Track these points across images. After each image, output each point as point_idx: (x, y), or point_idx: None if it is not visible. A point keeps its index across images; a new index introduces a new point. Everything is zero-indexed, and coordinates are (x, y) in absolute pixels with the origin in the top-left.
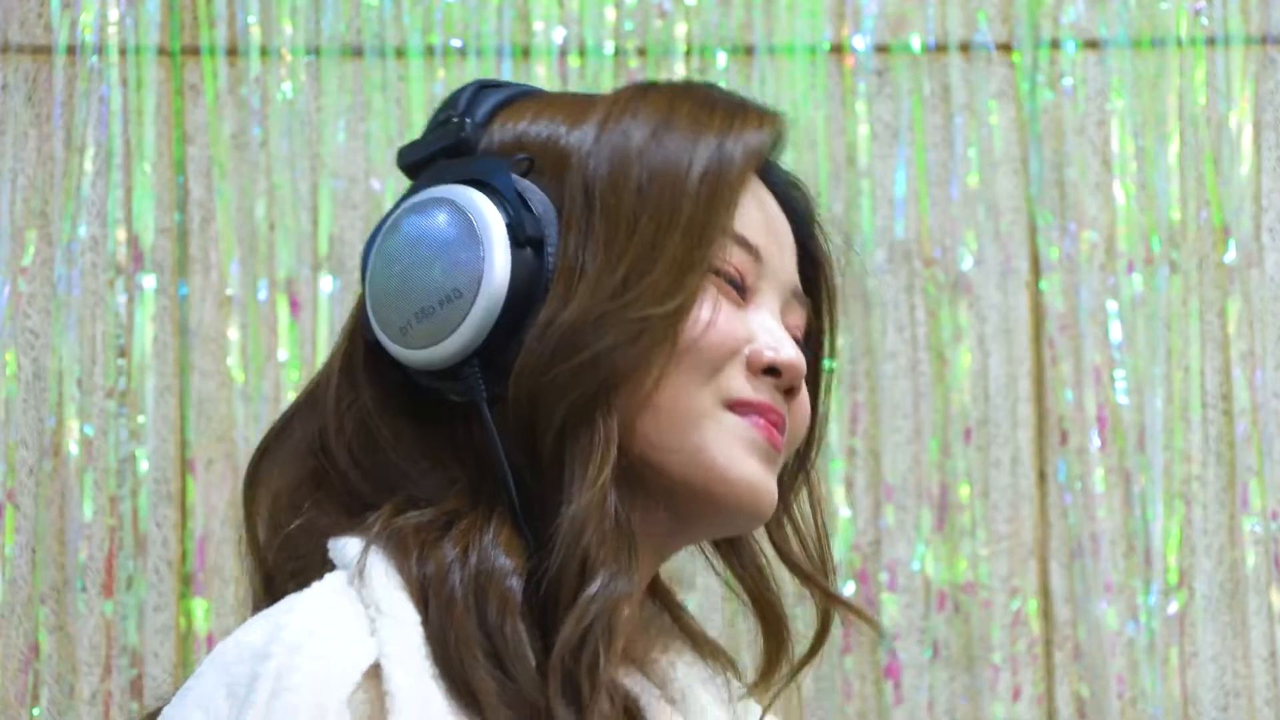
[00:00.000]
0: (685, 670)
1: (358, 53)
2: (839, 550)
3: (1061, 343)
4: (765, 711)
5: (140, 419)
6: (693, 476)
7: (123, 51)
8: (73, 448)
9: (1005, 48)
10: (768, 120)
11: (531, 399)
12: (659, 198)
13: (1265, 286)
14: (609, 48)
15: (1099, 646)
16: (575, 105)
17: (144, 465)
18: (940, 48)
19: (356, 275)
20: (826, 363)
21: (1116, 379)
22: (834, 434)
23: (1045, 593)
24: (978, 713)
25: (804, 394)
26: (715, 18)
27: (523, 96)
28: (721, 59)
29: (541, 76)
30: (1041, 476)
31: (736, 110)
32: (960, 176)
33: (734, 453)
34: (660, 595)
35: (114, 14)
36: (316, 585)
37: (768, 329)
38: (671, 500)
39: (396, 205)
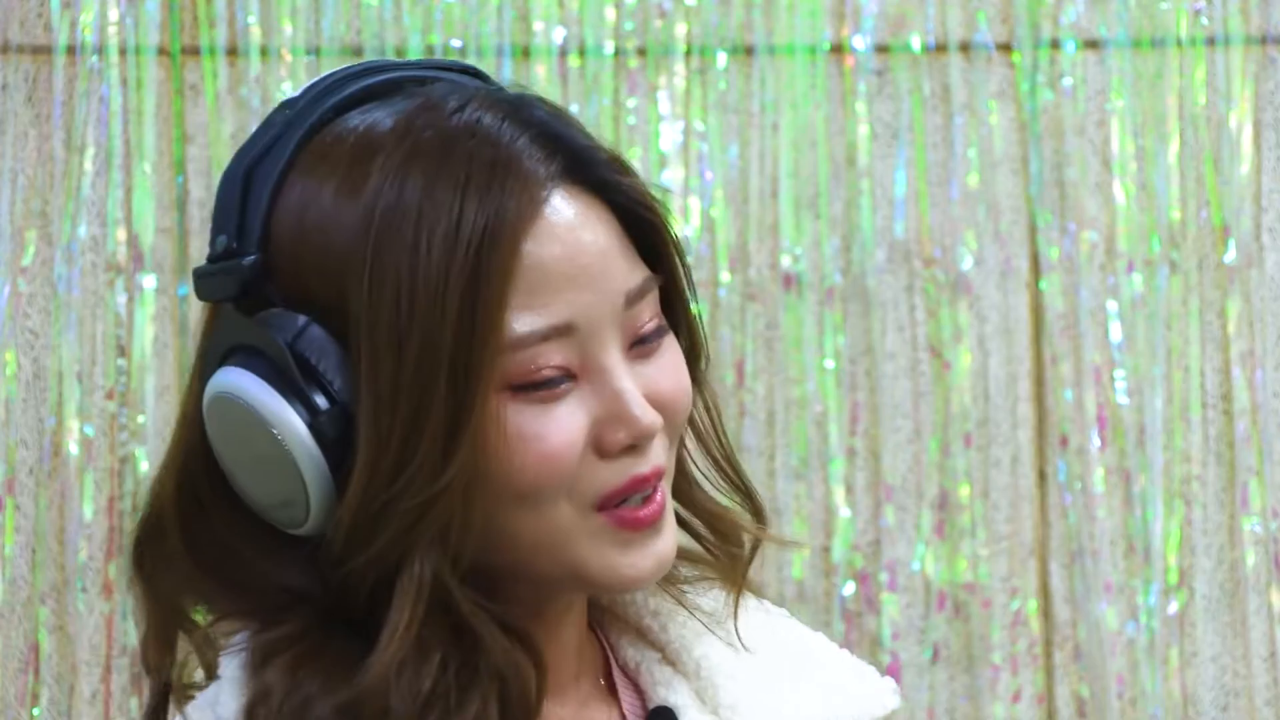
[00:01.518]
0: (676, 629)
1: (358, 53)
2: (839, 550)
3: (1061, 343)
4: (735, 612)
5: (140, 419)
6: (577, 583)
7: (123, 51)
8: (73, 448)
9: (1005, 48)
10: (542, 159)
11: (341, 584)
12: (418, 347)
13: (1265, 286)
14: (609, 48)
15: (1099, 646)
16: (341, 215)
17: (144, 465)
18: (940, 48)
19: None
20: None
21: (1116, 379)
22: (834, 434)
23: (1045, 593)
24: (978, 713)
25: (667, 379)
26: (715, 18)
27: (295, 169)
28: (721, 59)
29: (541, 76)
30: (1041, 476)
31: (493, 207)
32: (960, 176)
33: (613, 560)
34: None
35: (114, 14)
36: (185, 710)
37: (609, 399)
38: (554, 587)
39: (205, 356)
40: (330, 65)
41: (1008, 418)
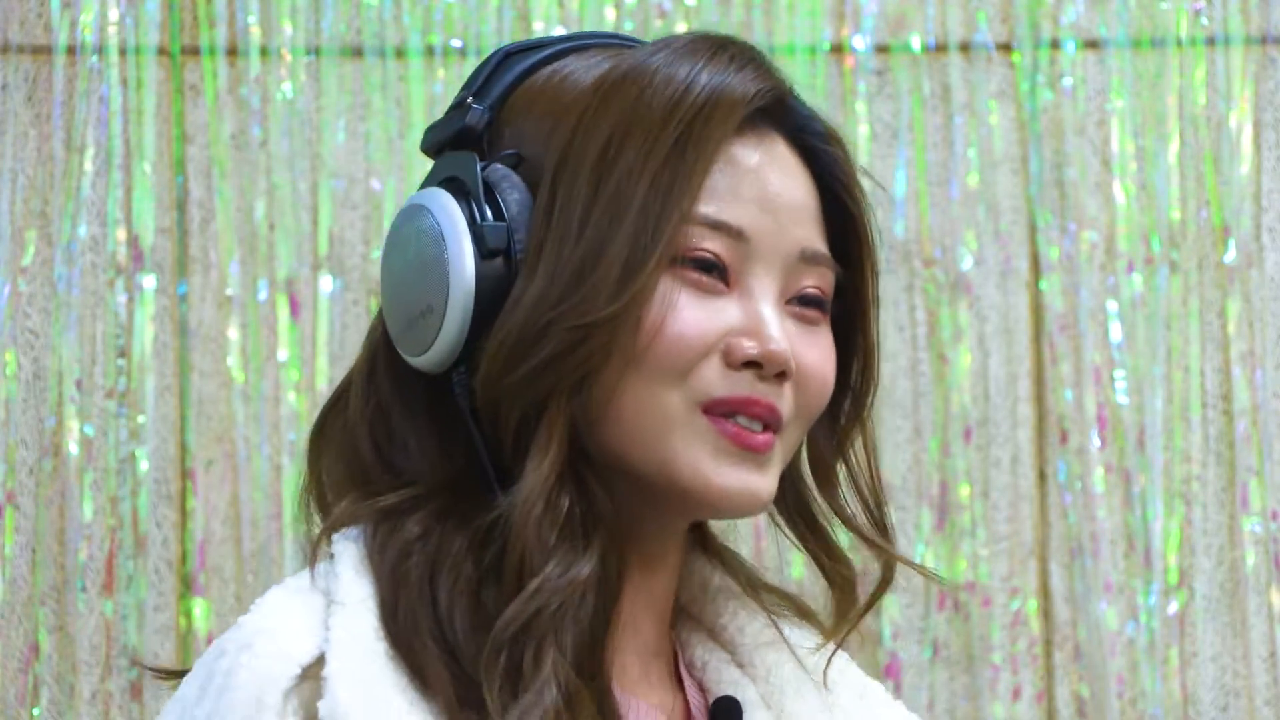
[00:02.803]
0: (754, 634)
1: (358, 53)
2: None
3: (1061, 343)
4: (829, 660)
5: (140, 419)
6: (665, 482)
7: (123, 51)
8: (73, 448)
9: (1005, 48)
10: (758, 79)
11: (492, 403)
12: (615, 188)
13: (1265, 286)
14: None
15: (1099, 646)
16: (578, 82)
17: (144, 465)
18: (940, 48)
19: (356, 275)
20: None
21: (1116, 379)
22: None
23: (1045, 593)
24: (978, 713)
25: (813, 362)
26: (715, 18)
27: (543, 66)
28: None
29: None
30: (1041, 476)
31: (723, 71)
32: (960, 176)
33: (703, 464)
34: (717, 555)
35: (114, 14)
36: (287, 580)
37: (751, 315)
38: (652, 496)
39: (411, 199)
40: (330, 65)
41: (1008, 418)
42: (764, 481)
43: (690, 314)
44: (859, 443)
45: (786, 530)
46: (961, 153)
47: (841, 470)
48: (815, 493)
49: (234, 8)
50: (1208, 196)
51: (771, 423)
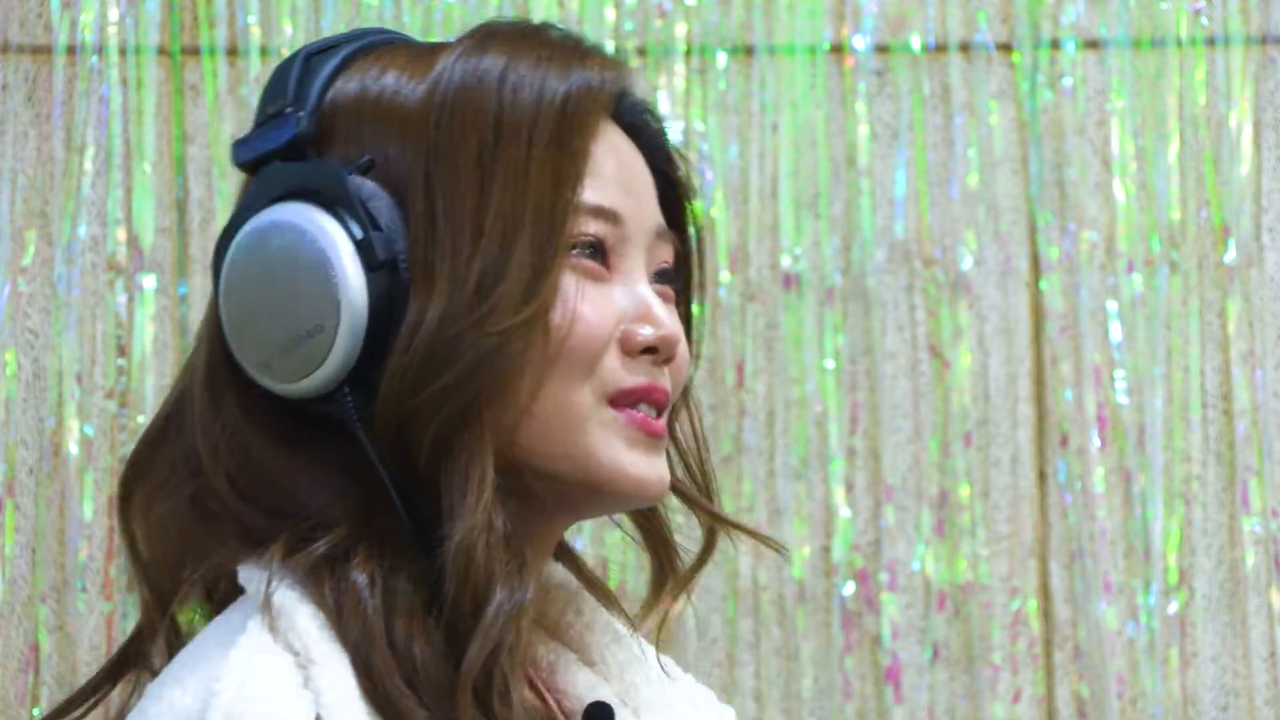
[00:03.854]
0: (601, 631)
1: None
2: (839, 550)
3: (1061, 343)
4: (657, 637)
5: (140, 419)
6: (583, 478)
7: (123, 51)
8: (73, 448)
9: (1005, 48)
10: (606, 67)
11: (401, 424)
12: (502, 189)
13: (1265, 286)
14: (609, 48)
15: (1099, 646)
16: (412, 67)
17: None
18: (940, 48)
19: None
20: (695, 309)
21: (1116, 379)
22: (834, 434)
23: (1045, 593)
24: (978, 713)
25: (682, 340)
26: (715, 18)
27: (358, 58)
28: (721, 59)
29: None
30: (1041, 476)
31: (573, 65)
32: (960, 176)
33: (620, 456)
34: (561, 555)
35: (114, 14)
36: (241, 640)
37: (638, 301)
38: (562, 498)
39: (240, 213)
40: None
41: (1008, 418)
42: (664, 466)
43: (590, 305)
44: (683, 415)
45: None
46: (961, 153)
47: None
48: None
49: (234, 8)
50: (1208, 196)
51: (663, 408)
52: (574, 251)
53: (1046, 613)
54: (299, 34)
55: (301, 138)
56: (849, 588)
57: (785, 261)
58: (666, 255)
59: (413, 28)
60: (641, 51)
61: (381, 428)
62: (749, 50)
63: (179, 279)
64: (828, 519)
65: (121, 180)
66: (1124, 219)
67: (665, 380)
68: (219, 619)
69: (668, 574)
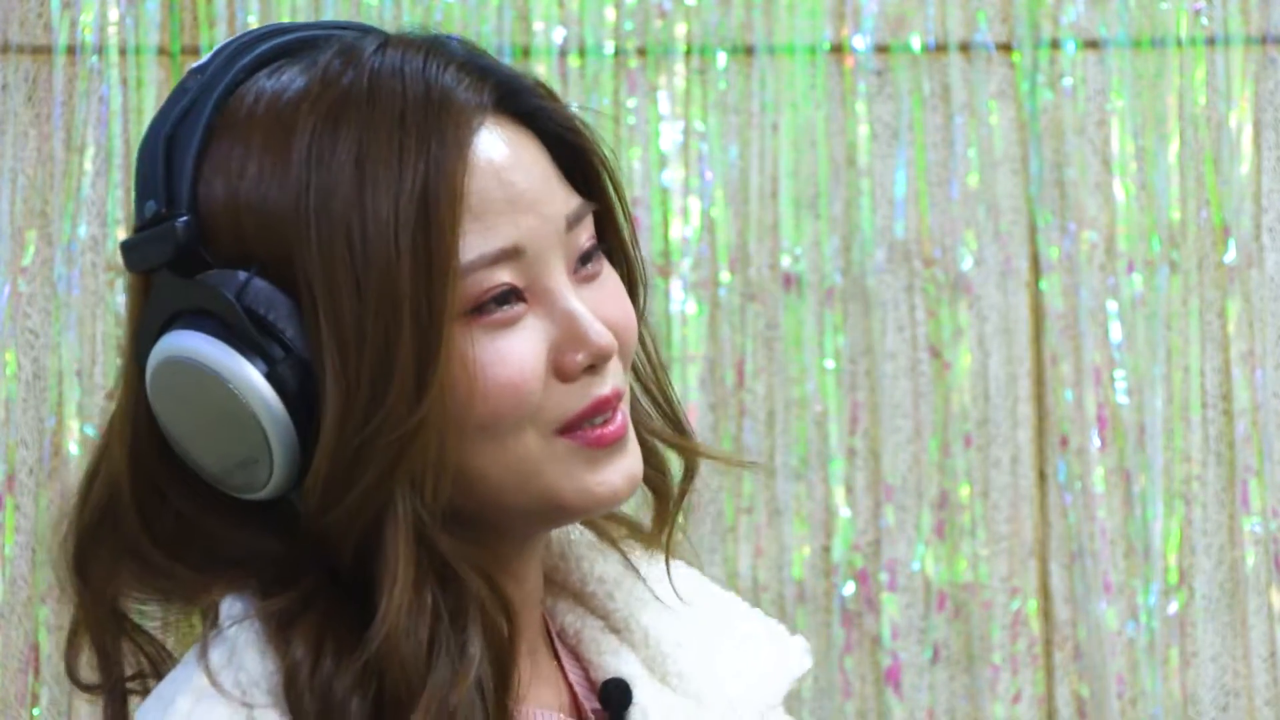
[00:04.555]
0: (624, 597)
1: None
2: (839, 550)
3: (1061, 343)
4: (667, 561)
5: None
6: (550, 510)
7: (123, 51)
8: (73, 448)
9: (1005, 48)
10: (473, 86)
11: (322, 536)
12: (378, 285)
13: (1265, 286)
14: (609, 48)
15: (1099, 646)
16: (271, 182)
17: None
18: (940, 48)
19: None
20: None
21: (1116, 379)
22: (834, 434)
23: (1045, 593)
24: (978, 713)
25: (615, 310)
26: (715, 18)
27: (214, 143)
28: (721, 59)
29: (541, 76)
30: (1041, 476)
31: (430, 130)
32: (960, 176)
33: (584, 481)
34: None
35: (114, 14)
36: (188, 688)
37: (562, 320)
38: (532, 522)
39: (145, 324)
40: None
41: (1008, 418)
42: (634, 460)
43: (513, 356)
44: (641, 351)
45: None
46: (961, 153)
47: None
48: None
49: (234, 8)
50: (1208, 196)
51: (616, 404)
52: (484, 309)
53: (1046, 613)
54: None
55: (184, 248)
56: (849, 588)
57: (785, 261)
58: (586, 234)
59: (413, 28)
60: (641, 51)
61: (310, 538)
62: (749, 50)
63: None
64: (828, 519)
65: (121, 180)
66: (1124, 219)
67: (609, 382)
68: (181, 662)
69: (666, 510)
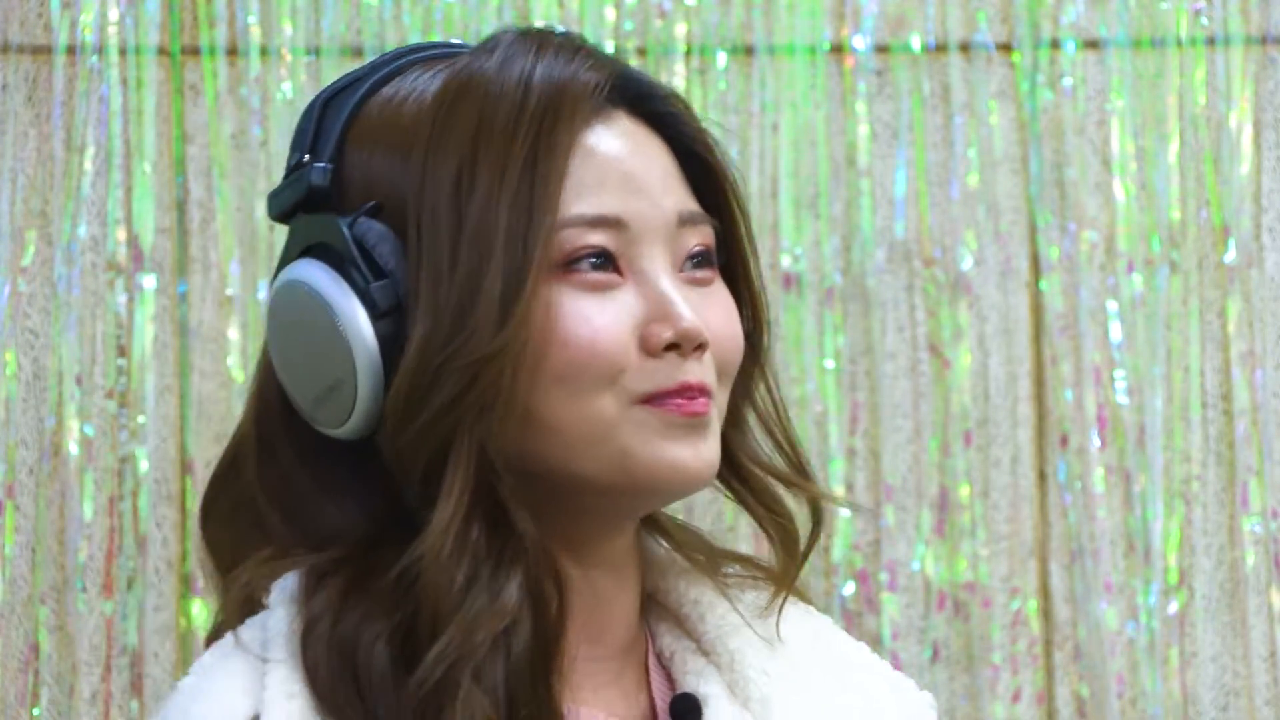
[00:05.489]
0: (715, 621)
1: (358, 53)
2: (839, 550)
3: (1061, 343)
4: (782, 601)
5: (140, 419)
6: (623, 480)
7: (123, 51)
8: (73, 448)
9: (1005, 48)
10: (590, 71)
11: (397, 460)
12: (477, 217)
13: (1265, 286)
14: (609, 48)
15: (1099, 646)
16: (409, 109)
17: (144, 465)
18: (940, 48)
19: None
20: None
21: (1116, 379)
22: (834, 434)
23: (1045, 593)
24: (978, 713)
25: (720, 321)
26: (715, 18)
27: (366, 103)
28: (721, 59)
29: None
30: (1041, 476)
31: (553, 95)
32: (960, 176)
33: (655, 445)
34: (668, 532)
35: (114, 14)
36: (218, 644)
37: (655, 299)
38: (603, 496)
39: (278, 267)
40: (330, 65)
41: (1008, 418)
42: (710, 449)
43: (593, 319)
44: (763, 390)
45: (726, 493)
46: (961, 153)
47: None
48: (736, 447)
49: (234, 8)
50: (1208, 196)
51: (703, 396)
52: (576, 266)
53: (1046, 613)
54: (299, 34)
55: (317, 190)
56: (849, 588)
57: (785, 261)
58: (699, 239)
59: (413, 28)
60: (641, 51)
61: (390, 462)
62: (749, 50)
63: (179, 279)
64: (828, 519)
65: (121, 180)
66: (1124, 219)
67: (697, 372)
68: None
69: (787, 550)
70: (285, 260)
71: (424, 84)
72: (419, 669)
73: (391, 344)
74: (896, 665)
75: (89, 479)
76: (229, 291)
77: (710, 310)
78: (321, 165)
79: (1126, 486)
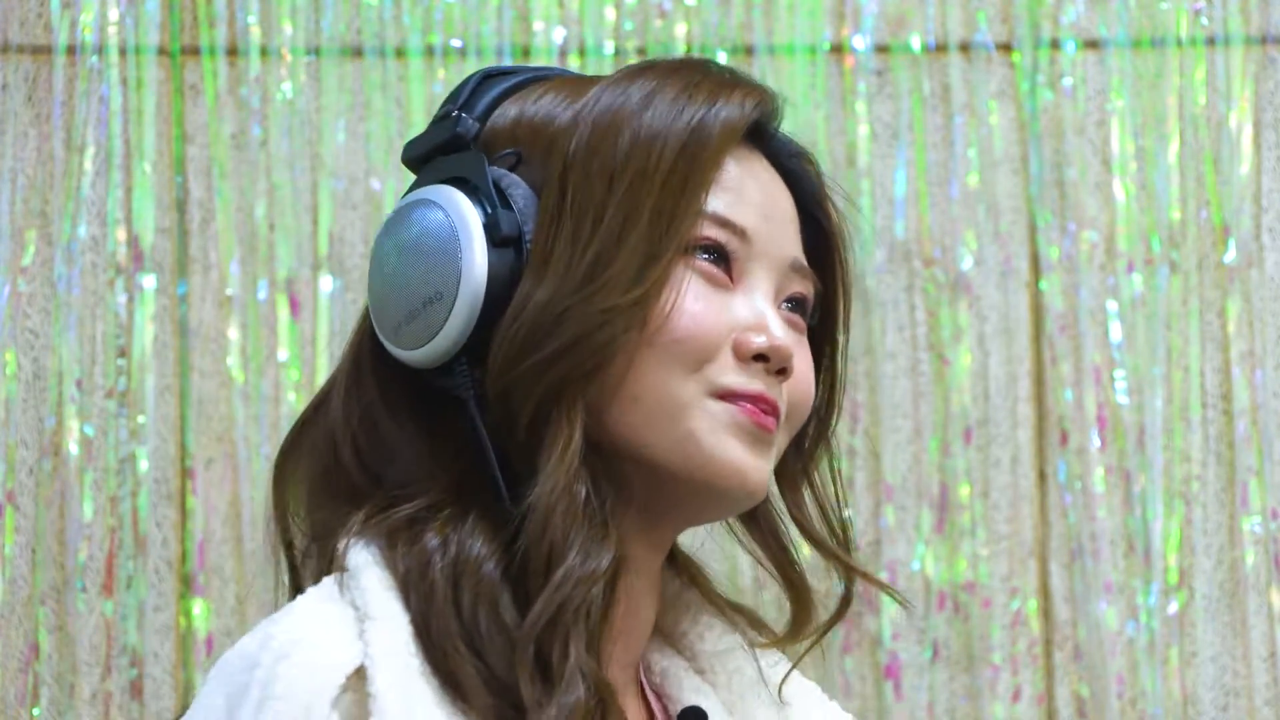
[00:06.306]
0: (714, 640)
1: (358, 53)
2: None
3: (1061, 343)
4: (792, 667)
5: (140, 419)
6: (678, 463)
7: (123, 51)
8: (73, 448)
9: (1005, 48)
10: (752, 94)
11: (505, 393)
12: (629, 184)
13: (1265, 286)
14: (609, 48)
15: (1099, 646)
16: (571, 90)
17: (144, 465)
18: (940, 48)
19: (356, 275)
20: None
21: (1116, 379)
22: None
23: (1045, 593)
24: (978, 713)
25: (802, 369)
26: (715, 18)
27: (530, 83)
28: (721, 59)
29: None
30: (1041, 476)
31: (720, 88)
32: (960, 176)
33: (720, 438)
34: (684, 569)
35: (114, 14)
36: (311, 591)
37: (756, 311)
38: (658, 485)
39: (400, 202)
40: (330, 65)
41: (1008, 418)
42: (766, 469)
43: (703, 306)
44: (824, 463)
45: (745, 540)
46: (961, 153)
47: (806, 489)
48: (780, 506)
49: (234, 8)
50: (1208, 196)
51: (775, 413)
52: (697, 253)
53: (1046, 613)
54: (299, 34)
55: (462, 136)
56: None
57: None
58: (802, 289)
59: (413, 28)
60: (641, 51)
61: (491, 395)
62: (749, 50)
63: (179, 279)
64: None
65: (121, 180)
66: (1124, 219)
67: (778, 393)
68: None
69: (802, 616)
70: (407, 195)
71: (583, 83)
72: (532, 609)
73: (499, 273)
74: (896, 665)
75: (89, 479)
76: (229, 291)
77: (796, 351)
78: (469, 118)
79: (1126, 486)
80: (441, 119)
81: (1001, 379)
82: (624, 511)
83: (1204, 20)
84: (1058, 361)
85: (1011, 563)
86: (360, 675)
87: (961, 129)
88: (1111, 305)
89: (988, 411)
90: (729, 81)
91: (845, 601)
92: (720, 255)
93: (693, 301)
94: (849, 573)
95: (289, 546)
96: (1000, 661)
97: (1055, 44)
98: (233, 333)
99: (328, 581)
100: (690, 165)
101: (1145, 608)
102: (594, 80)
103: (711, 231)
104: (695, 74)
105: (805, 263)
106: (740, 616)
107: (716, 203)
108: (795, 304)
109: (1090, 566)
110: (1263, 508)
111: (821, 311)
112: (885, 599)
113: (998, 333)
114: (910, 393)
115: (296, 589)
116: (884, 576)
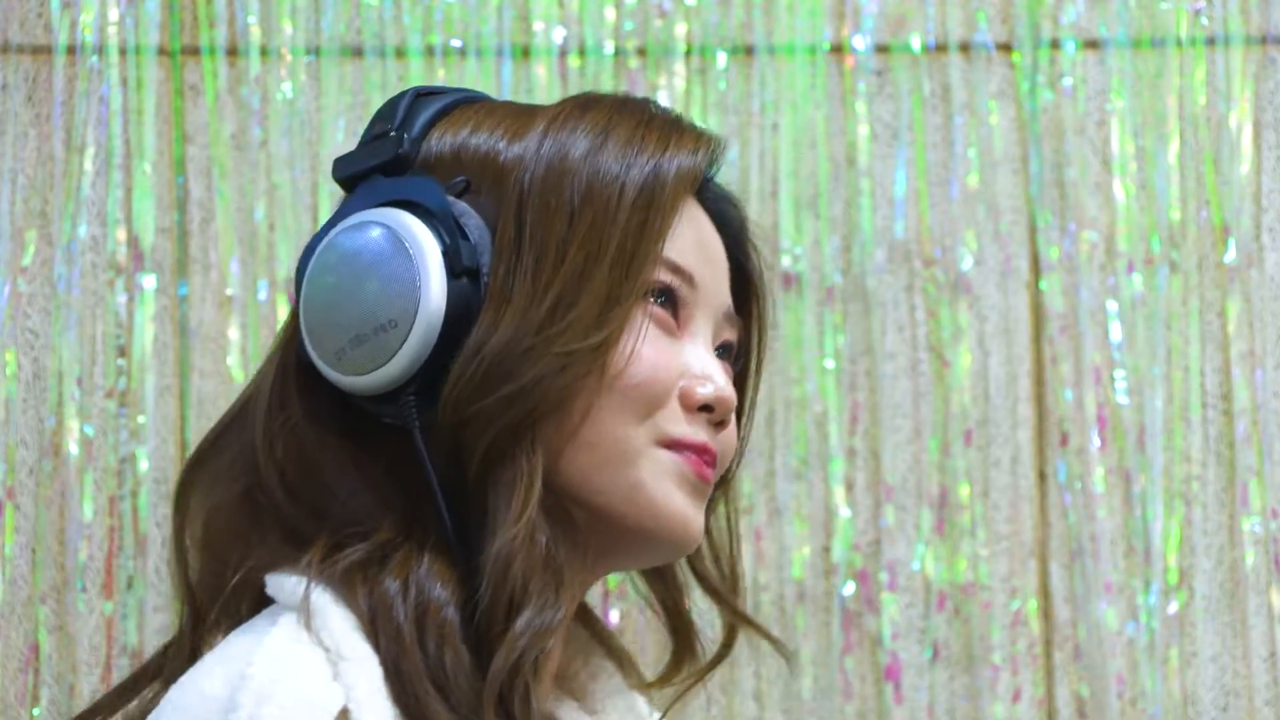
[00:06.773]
0: (606, 681)
1: (358, 53)
2: (839, 550)
3: (1061, 343)
4: (664, 714)
5: (140, 419)
6: (625, 511)
7: (123, 51)
8: (73, 448)
9: (1005, 48)
10: (703, 142)
11: (458, 428)
12: (589, 226)
13: (1265, 286)
14: (609, 48)
15: (1099, 646)
16: (514, 121)
17: (144, 465)
18: (940, 48)
19: None
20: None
21: (1116, 379)
22: (834, 434)
23: (1045, 593)
24: (978, 713)
25: (732, 419)
26: (715, 18)
27: (462, 105)
28: (721, 59)
29: (541, 76)
30: (1041, 476)
31: (671, 133)
32: (960, 176)
33: (667, 488)
34: (581, 612)
35: (114, 14)
36: (274, 631)
37: (701, 361)
38: (600, 531)
39: (331, 222)
40: (330, 65)
41: (1008, 418)
42: (702, 517)
43: (657, 352)
44: (720, 507)
45: (638, 579)
46: (961, 153)
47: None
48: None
49: (234, 8)
50: (1208, 196)
51: (714, 464)
52: (651, 298)
53: (1046, 613)
54: (299, 34)
55: (404, 158)
56: (849, 588)
57: (785, 261)
58: (730, 335)
59: (413, 28)
60: (641, 51)
61: (438, 431)
62: (749, 50)
63: (179, 279)
64: (828, 519)
65: (121, 180)
66: (1124, 219)
67: (717, 444)
68: (246, 625)
69: (685, 657)
70: (343, 215)
71: (522, 114)
72: (494, 662)
73: (457, 305)
74: (896, 665)
75: (89, 479)
76: (229, 291)
77: None
78: (409, 137)
79: (1126, 486)
80: (379, 137)
81: (1001, 379)
82: (578, 559)
83: (1204, 20)
84: (1058, 362)
85: (1011, 563)
86: (344, 717)
87: (961, 129)
88: (1111, 305)
89: (988, 412)
90: (678, 125)
91: (726, 646)
92: (669, 300)
93: (649, 348)
94: (734, 618)
95: (186, 570)
96: (1000, 662)
97: (1055, 44)
98: (233, 333)
99: (288, 620)
100: (648, 210)
101: (1145, 608)
102: (532, 111)
103: (666, 277)
104: (643, 113)
105: (734, 310)
106: (621, 659)
107: (670, 248)
108: (724, 350)
109: (1090, 567)
110: (1263, 508)
111: (743, 354)
112: (885, 599)
113: (998, 333)
114: (910, 393)
115: (198, 621)
116: (884, 577)
